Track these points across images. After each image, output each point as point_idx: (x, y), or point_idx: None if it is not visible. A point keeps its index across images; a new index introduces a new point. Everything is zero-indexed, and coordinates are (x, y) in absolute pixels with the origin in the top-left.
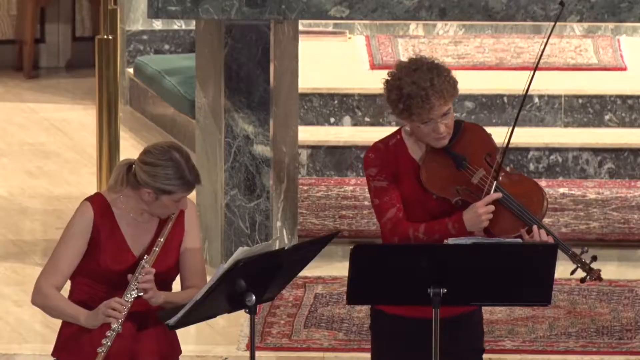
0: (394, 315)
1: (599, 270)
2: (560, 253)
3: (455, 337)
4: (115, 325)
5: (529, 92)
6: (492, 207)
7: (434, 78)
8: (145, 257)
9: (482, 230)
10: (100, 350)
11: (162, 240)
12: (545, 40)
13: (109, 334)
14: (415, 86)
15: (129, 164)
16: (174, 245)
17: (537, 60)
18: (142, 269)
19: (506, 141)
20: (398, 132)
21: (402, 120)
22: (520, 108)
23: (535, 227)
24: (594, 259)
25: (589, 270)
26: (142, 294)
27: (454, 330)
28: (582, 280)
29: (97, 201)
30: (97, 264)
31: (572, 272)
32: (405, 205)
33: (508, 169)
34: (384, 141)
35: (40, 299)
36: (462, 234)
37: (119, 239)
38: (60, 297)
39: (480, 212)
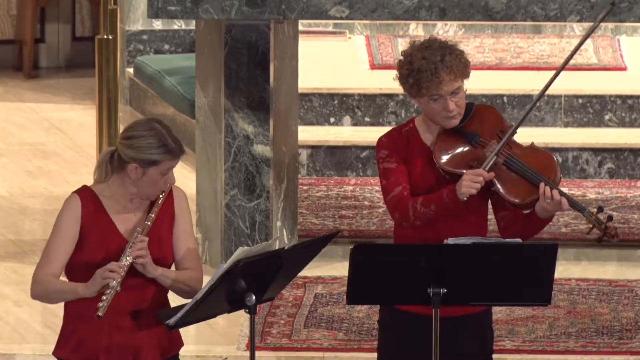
0: (405, 311)
1: (616, 228)
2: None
3: (463, 338)
4: (113, 284)
5: (529, 92)
6: (479, 178)
7: (445, 55)
8: (138, 229)
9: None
10: (101, 305)
11: (153, 216)
12: (582, 40)
13: (108, 291)
14: (426, 61)
15: (111, 152)
16: (167, 232)
17: (566, 60)
18: (136, 237)
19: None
20: (411, 120)
21: (413, 97)
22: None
23: (547, 187)
24: (610, 218)
25: (604, 229)
26: (136, 260)
27: (462, 331)
28: (599, 239)
29: (84, 193)
30: (91, 255)
31: (589, 232)
32: (416, 190)
33: None
34: (397, 128)
35: (38, 288)
36: (454, 201)
37: (110, 227)
38: (56, 280)
39: (464, 178)
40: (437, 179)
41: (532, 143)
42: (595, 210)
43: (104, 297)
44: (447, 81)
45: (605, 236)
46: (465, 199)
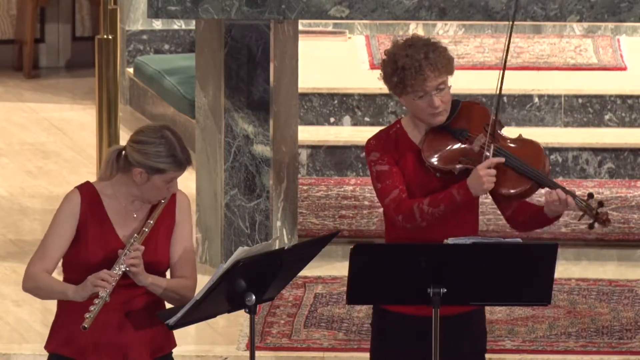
0: (397, 312)
1: (606, 214)
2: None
3: (457, 337)
4: (103, 294)
5: (529, 92)
6: (493, 171)
7: (428, 52)
8: (135, 236)
9: (487, 192)
10: (88, 316)
11: (151, 222)
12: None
13: (97, 302)
14: (409, 58)
15: (119, 150)
16: (165, 236)
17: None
18: (132, 245)
19: (496, 101)
20: (398, 122)
21: (398, 95)
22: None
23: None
24: (600, 204)
25: (595, 215)
26: (129, 269)
27: (455, 330)
28: (590, 226)
29: (85, 189)
30: (85, 253)
31: (580, 219)
32: (409, 189)
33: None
34: (385, 130)
35: (30, 283)
36: (468, 199)
37: (107, 226)
38: (49, 277)
39: (481, 174)
40: (428, 176)
41: (520, 135)
42: (586, 197)
43: (92, 308)
44: (432, 78)
45: (597, 222)
46: (485, 194)
